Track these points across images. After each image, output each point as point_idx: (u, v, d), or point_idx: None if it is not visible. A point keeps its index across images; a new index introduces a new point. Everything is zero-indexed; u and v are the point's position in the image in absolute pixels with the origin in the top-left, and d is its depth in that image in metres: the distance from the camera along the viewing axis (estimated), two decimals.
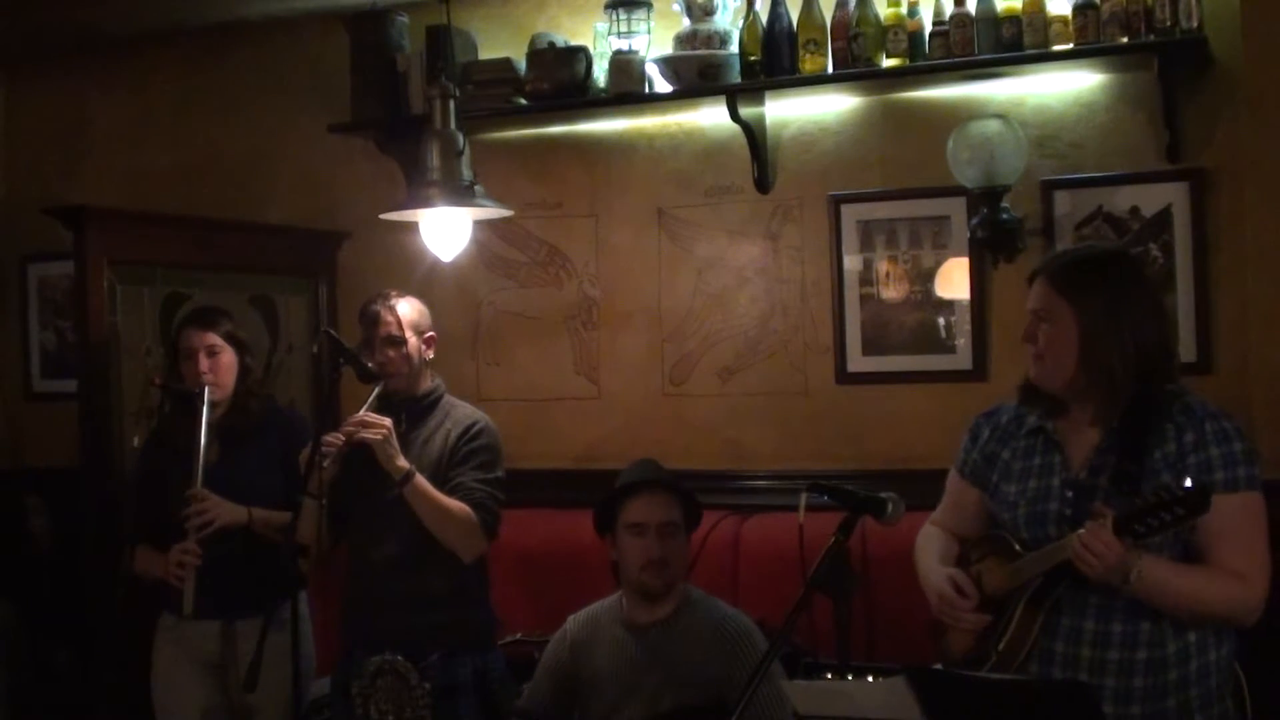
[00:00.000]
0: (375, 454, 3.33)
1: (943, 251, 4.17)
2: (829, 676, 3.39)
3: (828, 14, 4.07)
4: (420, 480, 3.34)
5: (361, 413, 3.37)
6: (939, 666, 2.59)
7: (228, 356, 3.76)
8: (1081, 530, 2.37)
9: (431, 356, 3.57)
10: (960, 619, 2.60)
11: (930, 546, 2.80)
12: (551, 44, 4.43)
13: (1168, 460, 2.48)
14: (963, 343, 4.14)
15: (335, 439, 3.31)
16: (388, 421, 3.35)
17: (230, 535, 3.61)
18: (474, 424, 3.49)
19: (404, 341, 3.46)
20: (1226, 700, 2.53)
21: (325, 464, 3.27)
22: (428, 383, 3.55)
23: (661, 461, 3.81)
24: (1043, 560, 2.48)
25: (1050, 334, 2.55)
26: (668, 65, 4.22)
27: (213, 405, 3.68)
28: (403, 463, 3.34)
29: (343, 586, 3.59)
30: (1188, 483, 2.31)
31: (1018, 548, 2.57)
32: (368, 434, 3.31)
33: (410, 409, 3.49)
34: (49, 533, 4.92)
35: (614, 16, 4.28)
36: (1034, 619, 2.50)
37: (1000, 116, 3.93)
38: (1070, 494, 2.54)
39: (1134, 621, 2.45)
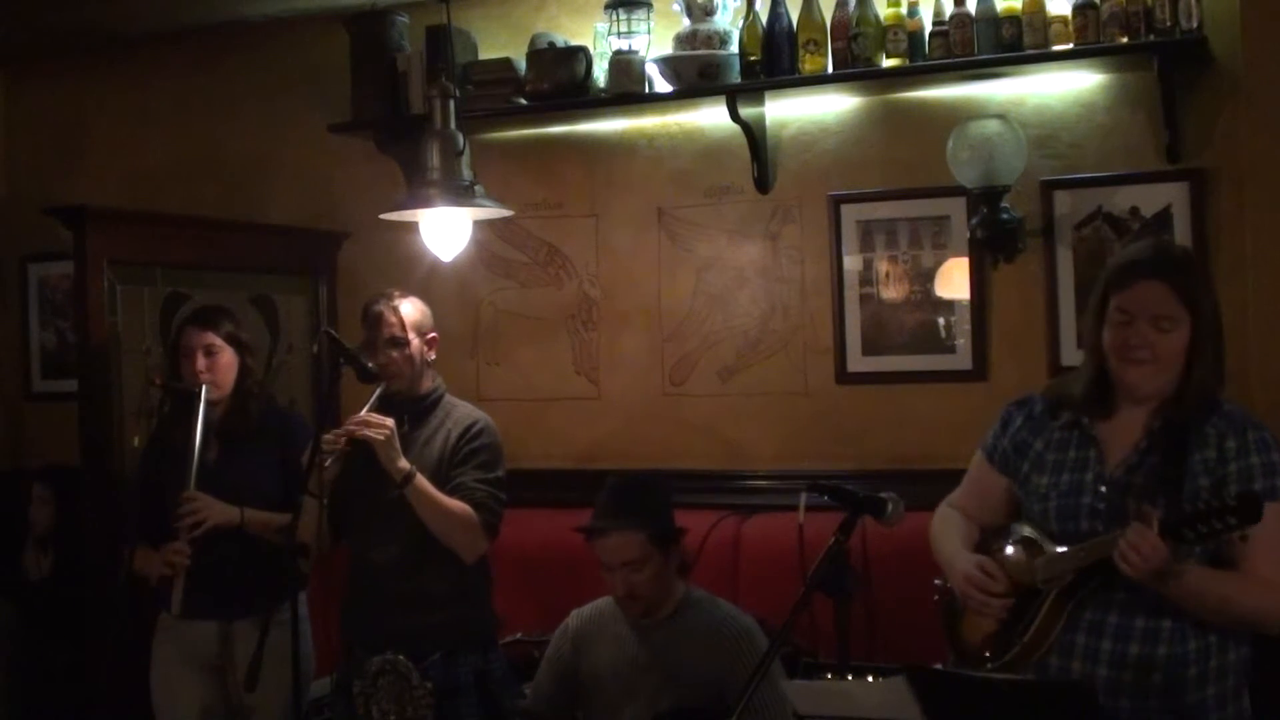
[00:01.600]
0: (377, 454, 3.33)
1: (943, 251, 4.17)
2: (829, 676, 3.39)
3: (828, 14, 4.07)
4: (421, 481, 3.34)
5: (363, 413, 3.37)
6: (939, 666, 2.59)
7: (227, 356, 3.75)
8: (1128, 530, 2.34)
9: (433, 357, 3.56)
10: (987, 603, 2.57)
11: (950, 530, 2.77)
12: (551, 44, 4.43)
13: (1207, 465, 2.47)
14: (963, 343, 4.14)
15: (336, 437, 3.31)
16: (390, 422, 3.35)
17: (227, 536, 3.60)
18: (474, 423, 3.49)
19: (407, 342, 3.45)
20: (1243, 700, 2.52)
21: (328, 463, 3.27)
22: (429, 383, 3.55)
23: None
24: (1082, 556, 2.45)
25: (1167, 341, 2.49)
26: (668, 65, 4.22)
27: (211, 405, 3.69)
28: (404, 464, 3.34)
29: (343, 586, 3.59)
30: (1236, 491, 2.30)
31: (1045, 540, 2.54)
32: (369, 433, 3.31)
33: (411, 409, 3.49)
34: (52, 522, 4.91)
35: (614, 16, 4.28)
36: (1061, 612, 2.49)
37: (1000, 116, 3.93)
38: (1104, 489, 2.52)
39: (1157, 618, 2.44)
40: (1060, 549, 2.51)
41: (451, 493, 3.38)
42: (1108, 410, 2.58)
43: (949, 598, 2.72)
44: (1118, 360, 2.53)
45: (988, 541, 2.71)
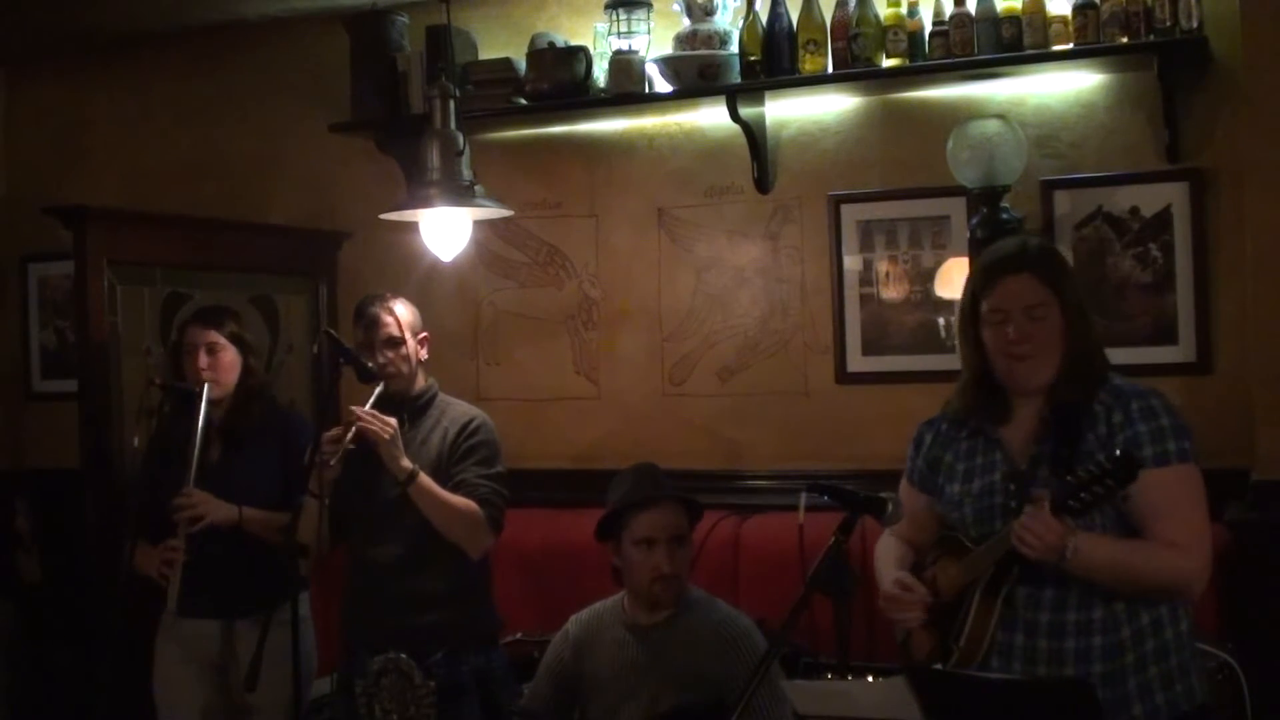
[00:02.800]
0: (379, 454, 3.34)
1: (943, 251, 4.17)
2: (829, 676, 3.39)
3: (828, 14, 4.07)
4: (425, 479, 3.35)
5: (365, 408, 3.37)
6: (939, 666, 2.59)
7: (229, 355, 3.76)
8: (1021, 515, 2.38)
9: (425, 356, 3.58)
10: (906, 613, 2.61)
11: (886, 556, 2.81)
12: (551, 44, 4.43)
13: (1100, 442, 2.50)
14: None
15: (338, 432, 3.31)
16: (393, 421, 3.36)
17: (227, 535, 3.60)
18: (471, 420, 3.51)
19: (404, 342, 3.48)
20: (1190, 677, 2.53)
21: (333, 461, 3.27)
22: (422, 382, 3.57)
23: (661, 461, 3.81)
24: (990, 551, 2.49)
25: (1044, 329, 2.55)
26: (668, 65, 4.22)
27: (213, 403, 3.69)
28: (407, 463, 3.34)
29: (343, 586, 3.59)
30: (1116, 454, 2.32)
31: (969, 545, 2.57)
32: (373, 427, 3.32)
33: (408, 408, 3.50)
34: (34, 533, 4.93)
35: (614, 16, 4.28)
36: (990, 611, 2.51)
37: (1000, 116, 3.93)
38: (1012, 486, 2.56)
39: (1087, 610, 2.46)
40: (976, 548, 2.55)
41: (454, 490, 3.39)
42: (1004, 413, 2.62)
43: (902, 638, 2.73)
44: (1003, 360, 2.58)
45: (923, 559, 2.73)
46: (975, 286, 2.63)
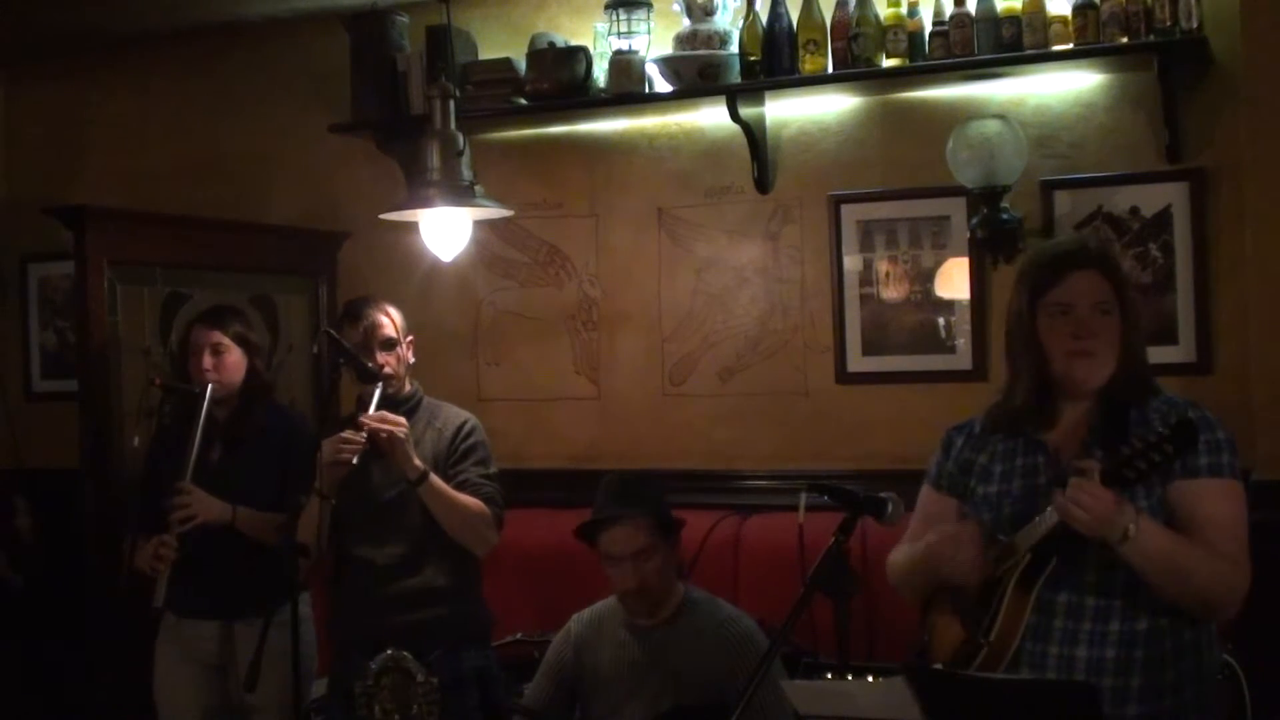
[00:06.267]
0: (393, 454, 3.34)
1: (943, 251, 4.17)
2: (829, 676, 3.39)
3: (828, 14, 4.07)
4: (435, 479, 3.37)
5: (373, 412, 3.38)
6: (939, 666, 2.59)
7: (233, 356, 3.75)
8: (1068, 485, 2.30)
9: (413, 360, 3.61)
10: (962, 552, 2.50)
11: (904, 556, 2.72)
12: (551, 44, 4.43)
13: None
14: (963, 343, 4.14)
15: (358, 437, 3.32)
16: (404, 420, 3.38)
17: (225, 535, 3.60)
18: (465, 422, 3.55)
19: (399, 344, 3.52)
20: (1216, 709, 2.48)
21: (355, 461, 3.30)
22: (408, 386, 3.60)
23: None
24: (1030, 535, 2.42)
25: (1108, 326, 2.49)
26: (668, 65, 4.22)
27: (216, 404, 3.69)
28: (419, 462, 3.36)
29: (336, 587, 3.59)
30: (1173, 420, 2.27)
31: (1002, 539, 2.51)
32: (392, 429, 3.33)
33: (400, 411, 3.50)
34: (34, 531, 4.93)
35: (614, 16, 4.28)
36: (1024, 604, 2.44)
37: (1000, 116, 3.93)
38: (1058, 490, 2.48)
39: (1131, 620, 2.41)
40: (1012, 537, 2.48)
41: (457, 490, 3.42)
42: (1050, 420, 2.56)
43: (920, 646, 2.68)
44: (1064, 356, 2.50)
45: None
46: (1036, 281, 2.54)
